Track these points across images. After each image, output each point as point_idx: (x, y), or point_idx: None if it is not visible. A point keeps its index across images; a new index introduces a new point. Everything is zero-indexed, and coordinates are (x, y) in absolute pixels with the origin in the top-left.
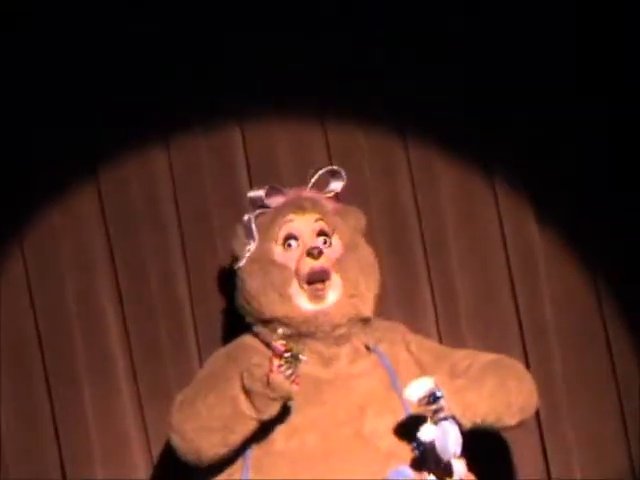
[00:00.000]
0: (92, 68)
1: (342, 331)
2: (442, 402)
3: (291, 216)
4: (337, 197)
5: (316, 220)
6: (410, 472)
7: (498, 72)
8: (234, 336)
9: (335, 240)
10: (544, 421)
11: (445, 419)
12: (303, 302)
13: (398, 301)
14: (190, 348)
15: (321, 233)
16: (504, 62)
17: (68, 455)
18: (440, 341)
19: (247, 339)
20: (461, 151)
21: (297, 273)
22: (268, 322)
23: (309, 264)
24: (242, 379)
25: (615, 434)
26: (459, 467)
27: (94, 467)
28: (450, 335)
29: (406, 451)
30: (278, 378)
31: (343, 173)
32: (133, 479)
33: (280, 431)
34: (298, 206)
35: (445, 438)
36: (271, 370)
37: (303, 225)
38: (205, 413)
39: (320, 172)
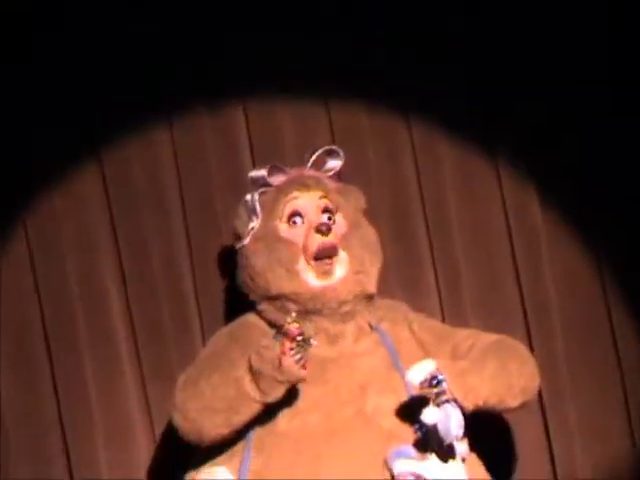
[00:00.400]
0: (95, 50)
1: (348, 308)
2: (444, 385)
3: (295, 193)
4: (338, 176)
5: (320, 197)
6: (412, 451)
7: (501, 55)
8: (237, 316)
9: (339, 218)
10: (547, 403)
11: (447, 402)
12: (310, 278)
13: (401, 282)
14: (193, 329)
15: (325, 210)
16: (508, 45)
17: (71, 436)
18: (443, 322)
19: (250, 318)
20: (464, 134)
21: (304, 249)
22: (274, 299)
23: (318, 240)
24: (250, 360)
25: (617, 416)
26: (461, 448)
27: (97, 447)
28: (454, 317)
29: (408, 430)
30: (289, 362)
31: (341, 152)
32: (136, 459)
33: (282, 411)
34: (302, 183)
35: (447, 421)
36: (283, 352)
37: (308, 202)
38: (209, 393)
39: (319, 152)
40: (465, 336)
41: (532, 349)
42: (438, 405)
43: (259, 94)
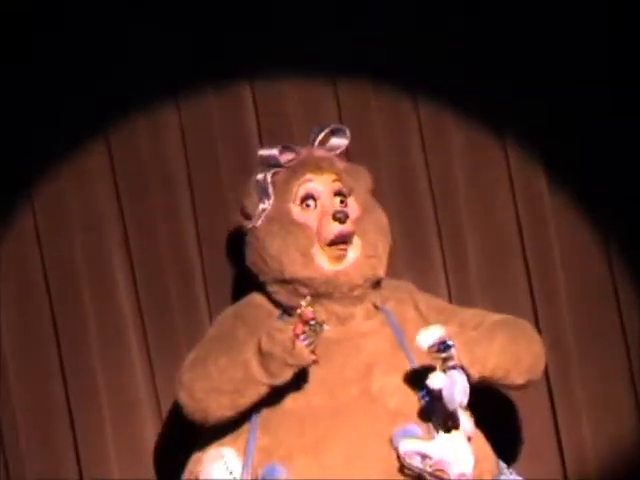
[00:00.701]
0: (102, 29)
1: (359, 292)
2: (452, 351)
3: (309, 176)
4: (345, 155)
5: (334, 180)
6: (418, 430)
7: (510, 32)
8: (244, 295)
9: (351, 201)
10: (554, 382)
11: (454, 368)
12: (324, 263)
13: (408, 262)
14: (200, 307)
15: (338, 194)
16: (517, 22)
17: (78, 415)
18: (450, 302)
19: (256, 298)
20: (472, 113)
21: (318, 234)
22: (287, 282)
23: (336, 228)
24: (260, 342)
25: (624, 394)
26: (465, 421)
27: (104, 426)
28: (460, 297)
29: (414, 409)
30: (300, 345)
31: (347, 131)
32: (142, 436)
33: (288, 390)
34: (316, 166)
35: (452, 387)
36: (296, 335)
37: (321, 185)
38: (216, 375)
39: (326, 130)
40: (472, 315)
41: (538, 326)
42: (444, 371)
43: (266, 73)
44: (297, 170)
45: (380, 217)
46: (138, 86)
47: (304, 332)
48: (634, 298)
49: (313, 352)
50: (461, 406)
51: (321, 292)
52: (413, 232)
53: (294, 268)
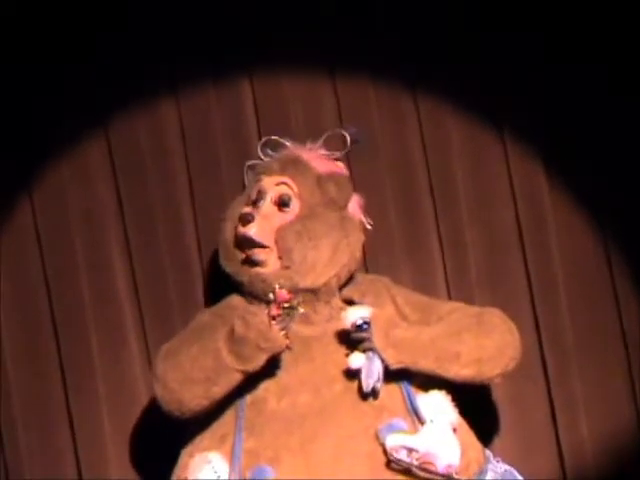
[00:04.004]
0: (102, 23)
1: (299, 298)
2: (366, 333)
3: (261, 176)
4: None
5: (278, 183)
6: (403, 424)
7: (509, 28)
8: None
9: (294, 206)
10: (552, 375)
11: (370, 350)
12: (243, 263)
13: (407, 255)
14: (198, 300)
15: (281, 197)
16: (516, 17)
17: (75, 406)
18: (449, 295)
19: (234, 300)
20: (471, 107)
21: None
22: (229, 276)
23: (239, 229)
24: (234, 326)
25: (623, 389)
26: (450, 412)
27: (102, 418)
28: (459, 289)
29: (399, 403)
30: (275, 329)
31: (348, 139)
32: (140, 430)
33: (271, 391)
34: (268, 166)
35: (369, 369)
36: (272, 317)
37: (267, 186)
38: (188, 364)
39: (328, 133)
40: (449, 309)
41: (537, 323)
42: (363, 351)
43: (266, 68)
44: (257, 169)
45: (315, 227)
46: (137, 81)
47: (279, 315)
48: (633, 295)
49: (286, 336)
50: (375, 390)
51: (250, 290)
52: (412, 228)
53: (225, 262)
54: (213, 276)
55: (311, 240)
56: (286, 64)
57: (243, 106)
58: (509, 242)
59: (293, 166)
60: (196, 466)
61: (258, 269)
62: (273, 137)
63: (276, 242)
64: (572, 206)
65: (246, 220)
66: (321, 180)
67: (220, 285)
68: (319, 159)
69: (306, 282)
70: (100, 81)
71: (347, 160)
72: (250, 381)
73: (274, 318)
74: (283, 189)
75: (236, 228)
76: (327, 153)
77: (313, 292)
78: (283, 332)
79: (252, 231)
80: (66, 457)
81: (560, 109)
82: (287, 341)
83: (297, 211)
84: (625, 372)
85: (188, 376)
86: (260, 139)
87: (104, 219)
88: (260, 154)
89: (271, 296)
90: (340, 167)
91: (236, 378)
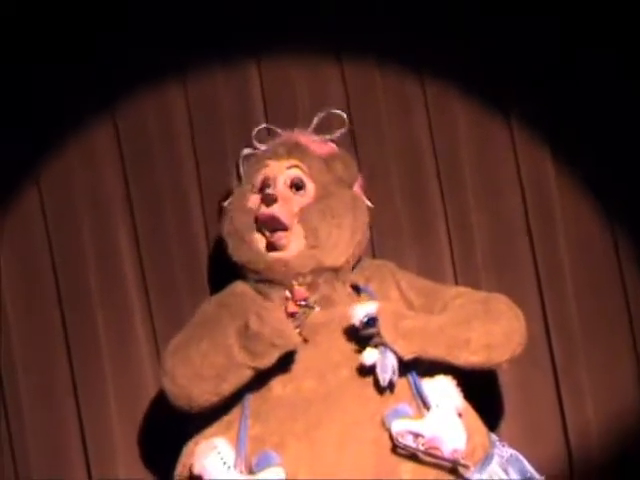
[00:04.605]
0: (107, 6)
1: (308, 280)
2: (374, 329)
3: (267, 162)
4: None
5: (289, 167)
6: (409, 409)
7: (516, 12)
8: None
9: (309, 188)
10: (558, 360)
11: (382, 345)
12: (262, 248)
13: (414, 240)
14: (204, 284)
15: (293, 181)
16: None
17: (83, 391)
18: (455, 280)
19: (239, 286)
20: (478, 92)
21: (256, 219)
22: (238, 266)
23: (261, 210)
24: (248, 321)
25: (629, 374)
26: (455, 397)
27: (108, 402)
28: (465, 274)
29: (404, 388)
30: (289, 326)
31: (345, 119)
32: (146, 414)
33: (277, 377)
34: (274, 152)
35: (383, 363)
36: (289, 315)
37: (277, 171)
38: (198, 360)
39: (321, 115)
40: (454, 295)
41: (544, 309)
42: (376, 346)
43: (273, 52)
44: (261, 156)
45: (334, 205)
46: (145, 66)
47: (295, 313)
48: None
49: (301, 334)
50: (392, 383)
51: (268, 278)
52: (419, 213)
53: (238, 252)
54: (219, 261)
55: (334, 218)
56: (293, 49)
57: (250, 91)
58: (516, 227)
59: (298, 149)
60: (202, 452)
61: (279, 253)
62: (266, 125)
63: (299, 223)
64: (579, 192)
65: (272, 200)
66: (328, 160)
67: (226, 270)
68: (314, 143)
69: (331, 260)
70: (108, 66)
71: (353, 145)
72: (259, 375)
73: (291, 315)
74: (296, 172)
75: (254, 213)
76: (318, 137)
77: (335, 271)
78: (298, 330)
79: (279, 210)
80: (72, 440)
81: (567, 95)
82: (300, 339)
83: (313, 192)
84: (632, 358)
85: (198, 372)
86: (267, 123)
87: (111, 204)
88: (255, 143)
89: (288, 293)
90: (335, 148)
91: (247, 375)
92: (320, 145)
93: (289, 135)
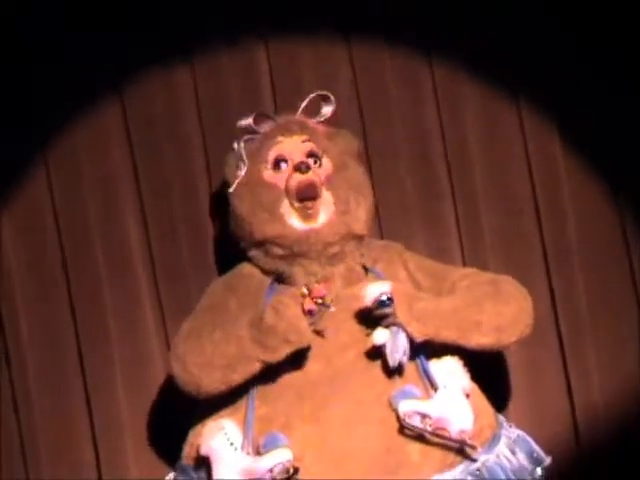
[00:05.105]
0: None
1: (335, 250)
2: (389, 309)
3: (280, 138)
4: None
5: (304, 141)
6: (416, 390)
7: None
8: None
9: (325, 161)
10: (566, 343)
11: (394, 325)
12: (294, 221)
13: (422, 221)
14: (213, 267)
15: (310, 154)
16: None
17: (90, 370)
18: (463, 262)
19: (246, 267)
20: (487, 74)
21: (287, 191)
22: (260, 244)
23: (297, 179)
24: (262, 314)
25: (637, 356)
26: (462, 378)
27: (116, 385)
28: (474, 255)
29: (410, 369)
30: (304, 324)
31: (332, 98)
32: (154, 396)
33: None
34: (286, 128)
35: (394, 344)
36: (307, 312)
37: (292, 146)
38: (210, 349)
39: (310, 97)
40: (461, 276)
41: (552, 290)
42: (387, 327)
43: (280, 30)
44: (269, 135)
45: (354, 175)
46: (152, 46)
47: (311, 310)
48: None
49: (317, 332)
50: (401, 364)
51: (295, 251)
52: (426, 192)
53: (263, 228)
54: (227, 239)
55: (359, 187)
56: (301, 30)
57: (258, 71)
58: (524, 208)
59: (307, 126)
60: (209, 433)
61: (310, 224)
62: (262, 111)
63: (328, 191)
64: (587, 172)
65: (306, 168)
66: (330, 136)
67: (234, 249)
68: (312, 123)
69: (359, 228)
70: (115, 47)
71: (362, 126)
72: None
73: (308, 313)
74: (311, 145)
75: (279, 187)
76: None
77: (359, 240)
78: (312, 327)
79: (314, 177)
80: (80, 425)
81: (575, 75)
82: (313, 336)
83: (330, 164)
84: (638, 338)
85: (209, 361)
86: (275, 104)
87: (119, 185)
88: (254, 127)
89: (305, 290)
90: (330, 127)
91: (255, 367)
92: (318, 124)
93: (286, 118)
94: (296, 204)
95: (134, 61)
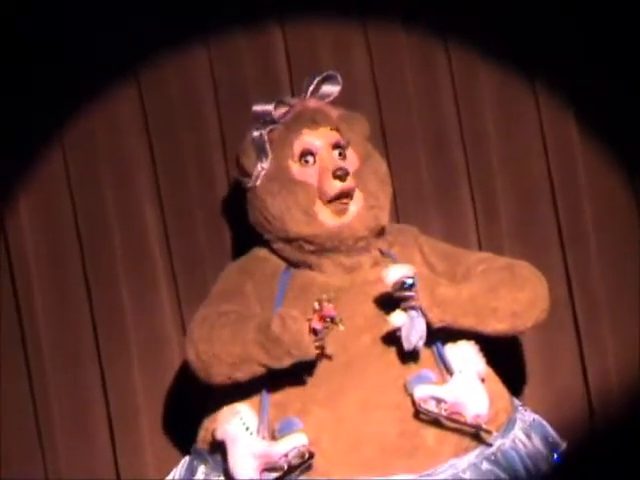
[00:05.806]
0: None
1: (364, 242)
2: (412, 292)
3: (305, 130)
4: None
5: (328, 133)
6: (431, 375)
7: None
8: None
9: (350, 152)
10: (582, 325)
11: (413, 308)
12: (327, 218)
13: (438, 205)
14: (228, 250)
15: (336, 146)
16: None
17: (106, 355)
18: (479, 246)
19: (261, 251)
20: (503, 55)
21: (320, 191)
22: (291, 240)
23: (337, 186)
24: (271, 324)
25: None
26: (478, 362)
27: (132, 370)
28: (490, 239)
29: (426, 354)
30: (310, 340)
31: (339, 77)
32: (169, 380)
33: None
34: (311, 120)
35: (411, 327)
36: (312, 330)
37: (318, 139)
38: (219, 345)
39: (318, 78)
40: (477, 260)
41: (568, 273)
42: (405, 310)
43: (297, 11)
44: (293, 126)
45: (379, 165)
46: (168, 28)
47: (317, 330)
48: None
49: (321, 348)
50: (417, 349)
51: (327, 247)
52: (443, 178)
53: (298, 227)
54: (244, 223)
55: (385, 177)
56: (318, 11)
57: (274, 53)
58: (540, 192)
59: (327, 115)
60: (225, 417)
61: (341, 220)
62: (280, 99)
63: (357, 186)
64: (603, 156)
65: (346, 174)
66: (346, 121)
67: (251, 233)
68: (326, 106)
69: (385, 219)
70: (131, 29)
71: (378, 109)
72: None
73: (313, 331)
74: (336, 135)
75: (312, 186)
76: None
77: (384, 228)
78: (317, 343)
79: (352, 183)
80: (97, 407)
81: (592, 59)
82: (317, 352)
83: (355, 154)
84: None
85: (217, 354)
86: (292, 87)
87: (135, 167)
88: (274, 114)
89: (316, 305)
90: (341, 109)
91: (259, 370)
92: (332, 108)
93: (300, 102)
94: (327, 202)
95: (150, 45)
